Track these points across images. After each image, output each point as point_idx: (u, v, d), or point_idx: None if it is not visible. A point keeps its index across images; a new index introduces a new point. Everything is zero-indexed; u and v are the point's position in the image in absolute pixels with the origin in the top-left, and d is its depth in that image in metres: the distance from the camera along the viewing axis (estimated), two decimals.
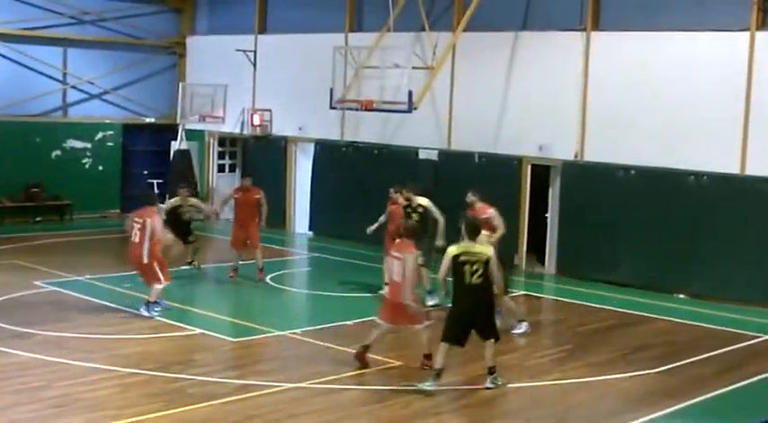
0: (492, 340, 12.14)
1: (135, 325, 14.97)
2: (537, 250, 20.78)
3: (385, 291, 13.28)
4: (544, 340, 15.54)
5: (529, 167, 20.61)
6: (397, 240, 13.07)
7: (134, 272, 16.07)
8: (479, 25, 20.58)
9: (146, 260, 15.29)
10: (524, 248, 20.64)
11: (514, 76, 20.76)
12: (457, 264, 11.91)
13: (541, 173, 20.58)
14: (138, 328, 14.75)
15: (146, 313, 15.34)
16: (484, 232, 12.96)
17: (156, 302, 15.51)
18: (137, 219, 15.42)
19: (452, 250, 12.02)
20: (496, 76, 20.95)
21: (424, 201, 16.71)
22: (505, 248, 15.95)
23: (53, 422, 10.65)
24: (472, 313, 12.02)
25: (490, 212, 15.51)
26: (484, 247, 12.12)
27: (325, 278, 19.17)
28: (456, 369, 12.89)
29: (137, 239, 15.31)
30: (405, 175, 20.89)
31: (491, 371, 12.21)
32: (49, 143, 25.88)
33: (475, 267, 11.86)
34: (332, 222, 23.55)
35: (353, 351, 13.21)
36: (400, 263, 12.59)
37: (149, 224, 15.24)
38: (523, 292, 18.51)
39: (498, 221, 15.48)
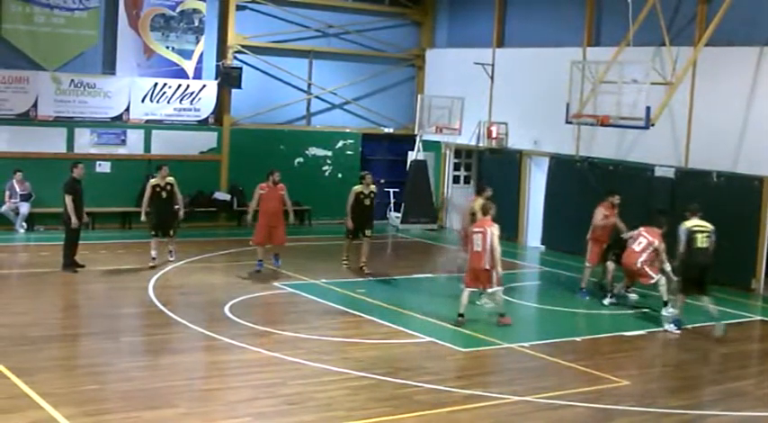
0: None
1: (367, 330, 15.45)
2: None
3: None
4: None
5: None
6: None
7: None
8: (722, 40, 20.01)
9: (486, 266, 15.64)
10: (762, 272, 19.89)
11: (758, 93, 19.98)
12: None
13: None
14: (369, 333, 15.20)
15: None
16: None
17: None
18: (476, 229, 15.85)
19: None
20: (739, 92, 20.25)
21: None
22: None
23: (287, 418, 11.13)
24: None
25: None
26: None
27: (554, 293, 19.07)
28: (683, 393, 12.67)
29: (479, 248, 15.64)
30: (639, 193, 20.64)
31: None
32: (292, 150, 26.95)
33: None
34: (564, 237, 23.23)
35: (582, 367, 13.17)
36: None
37: (489, 232, 15.59)
38: (759, 317, 17.86)
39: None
